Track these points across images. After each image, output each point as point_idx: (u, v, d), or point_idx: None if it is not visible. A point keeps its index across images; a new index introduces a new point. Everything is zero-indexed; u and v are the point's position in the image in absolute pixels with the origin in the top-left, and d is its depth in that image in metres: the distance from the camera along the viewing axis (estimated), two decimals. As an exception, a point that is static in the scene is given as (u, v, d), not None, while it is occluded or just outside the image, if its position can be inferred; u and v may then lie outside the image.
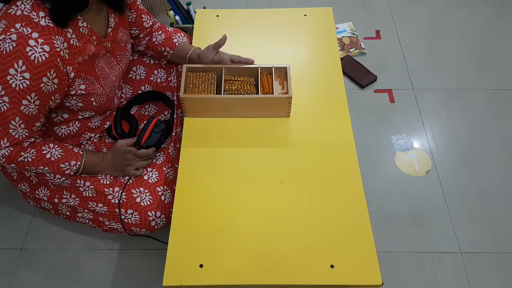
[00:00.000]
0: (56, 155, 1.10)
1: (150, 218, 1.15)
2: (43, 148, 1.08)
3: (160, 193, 1.17)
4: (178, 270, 0.92)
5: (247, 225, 0.98)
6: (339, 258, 0.93)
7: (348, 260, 0.93)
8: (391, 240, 1.42)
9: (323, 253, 0.94)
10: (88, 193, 1.18)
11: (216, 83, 1.17)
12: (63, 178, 1.17)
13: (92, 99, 1.10)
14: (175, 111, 1.30)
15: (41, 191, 1.22)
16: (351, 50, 1.94)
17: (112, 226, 1.21)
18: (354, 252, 0.94)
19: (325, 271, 0.92)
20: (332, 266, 0.92)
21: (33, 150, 1.07)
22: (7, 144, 1.02)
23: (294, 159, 1.09)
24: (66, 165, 1.12)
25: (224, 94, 1.14)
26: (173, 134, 1.26)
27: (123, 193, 1.16)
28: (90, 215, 1.22)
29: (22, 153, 1.05)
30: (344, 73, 1.83)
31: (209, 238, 0.96)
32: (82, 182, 1.17)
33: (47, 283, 1.34)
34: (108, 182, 1.18)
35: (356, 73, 1.85)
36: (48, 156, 1.09)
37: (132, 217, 1.15)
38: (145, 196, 1.16)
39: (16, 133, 1.01)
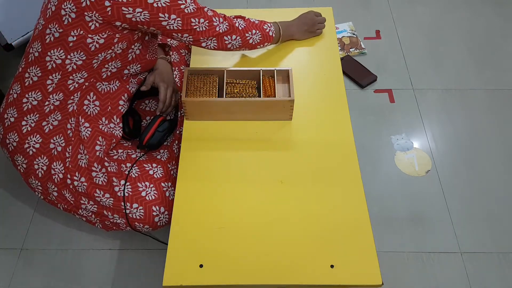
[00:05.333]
0: (252, 22, 1.21)
1: (154, 213, 1.15)
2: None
3: (164, 189, 1.17)
4: (178, 270, 0.92)
5: (247, 225, 0.98)
6: (339, 258, 0.93)
7: (348, 260, 0.93)
8: (391, 240, 1.42)
9: (323, 253, 0.94)
10: (99, 180, 1.16)
11: (218, 86, 1.17)
12: None
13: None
14: (179, 110, 1.30)
15: (56, 166, 1.16)
16: (351, 50, 1.94)
17: (115, 221, 1.20)
18: (354, 252, 0.94)
19: (325, 271, 0.92)
20: (332, 266, 0.92)
21: (239, 19, 1.17)
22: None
23: (294, 159, 1.09)
24: (267, 26, 1.24)
25: (226, 97, 1.13)
26: (177, 132, 1.26)
27: (129, 186, 1.16)
28: (94, 207, 1.19)
29: (235, 21, 1.16)
30: (344, 73, 1.83)
31: (209, 238, 0.96)
32: (99, 167, 1.15)
33: (47, 283, 1.34)
34: (115, 170, 1.17)
35: (356, 73, 1.85)
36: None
37: (137, 211, 1.15)
38: (150, 190, 1.16)
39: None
